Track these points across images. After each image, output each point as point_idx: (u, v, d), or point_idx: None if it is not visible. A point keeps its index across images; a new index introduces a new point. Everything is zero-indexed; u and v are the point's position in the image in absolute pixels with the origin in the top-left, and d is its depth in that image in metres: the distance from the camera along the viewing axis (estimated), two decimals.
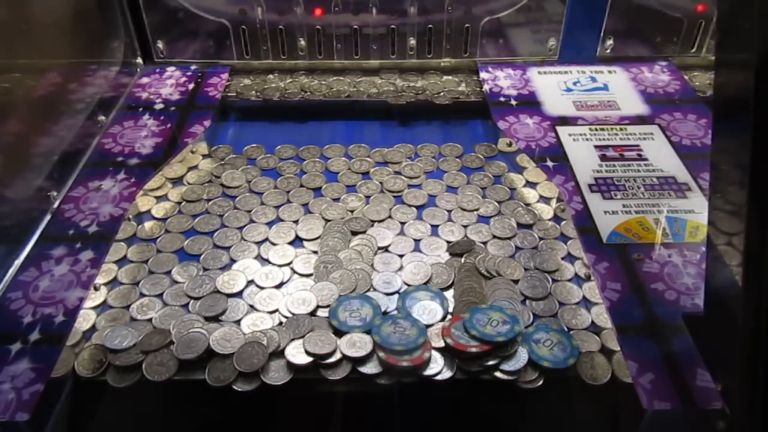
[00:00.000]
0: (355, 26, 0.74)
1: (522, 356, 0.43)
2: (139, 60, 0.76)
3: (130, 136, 0.64)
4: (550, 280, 0.50)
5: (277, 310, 0.48)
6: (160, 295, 0.49)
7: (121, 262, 0.53)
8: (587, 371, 0.44)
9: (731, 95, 0.33)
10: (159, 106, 0.69)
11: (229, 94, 0.73)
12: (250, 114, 0.73)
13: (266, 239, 0.55)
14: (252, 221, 0.57)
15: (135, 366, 0.43)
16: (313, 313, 0.47)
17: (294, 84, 0.74)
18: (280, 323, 0.47)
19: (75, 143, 0.60)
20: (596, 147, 0.61)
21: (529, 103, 0.69)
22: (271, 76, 0.76)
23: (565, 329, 0.46)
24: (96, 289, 0.50)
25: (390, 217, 0.57)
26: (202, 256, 0.53)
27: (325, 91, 0.73)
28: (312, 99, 0.72)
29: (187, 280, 0.50)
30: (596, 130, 0.64)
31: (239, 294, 0.49)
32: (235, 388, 0.42)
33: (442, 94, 0.72)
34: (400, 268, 0.52)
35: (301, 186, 0.61)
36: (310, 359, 0.43)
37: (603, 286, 0.47)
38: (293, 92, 0.73)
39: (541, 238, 0.55)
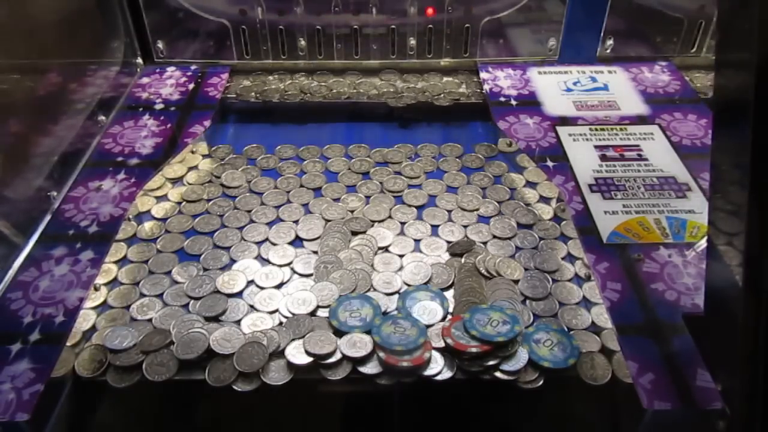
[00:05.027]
0: (355, 26, 0.74)
1: (522, 356, 0.43)
2: (139, 60, 0.76)
3: (130, 136, 0.64)
4: (550, 280, 0.50)
5: (277, 310, 0.48)
6: (160, 295, 0.49)
7: (121, 262, 0.53)
8: (587, 371, 0.44)
9: (731, 95, 0.33)
10: (159, 106, 0.69)
11: (228, 95, 0.73)
12: (250, 116, 0.73)
13: (266, 239, 0.55)
14: (252, 221, 0.57)
15: (135, 366, 0.43)
16: (313, 314, 0.47)
17: (294, 85, 0.74)
18: (280, 323, 0.47)
19: (75, 143, 0.60)
20: (596, 147, 0.61)
21: (529, 103, 0.69)
22: (270, 77, 0.76)
23: (566, 329, 0.46)
24: (96, 289, 0.50)
25: (390, 217, 0.57)
26: (202, 256, 0.53)
27: (325, 92, 0.73)
28: (312, 101, 0.72)
29: (187, 280, 0.50)
30: (596, 130, 0.64)
31: (239, 294, 0.49)
32: (235, 388, 0.42)
33: (442, 95, 0.72)
34: (400, 268, 0.52)
35: (301, 186, 0.61)
36: (310, 359, 0.43)
37: (603, 286, 0.47)
38: (293, 94, 0.73)
39: (541, 238, 0.55)
